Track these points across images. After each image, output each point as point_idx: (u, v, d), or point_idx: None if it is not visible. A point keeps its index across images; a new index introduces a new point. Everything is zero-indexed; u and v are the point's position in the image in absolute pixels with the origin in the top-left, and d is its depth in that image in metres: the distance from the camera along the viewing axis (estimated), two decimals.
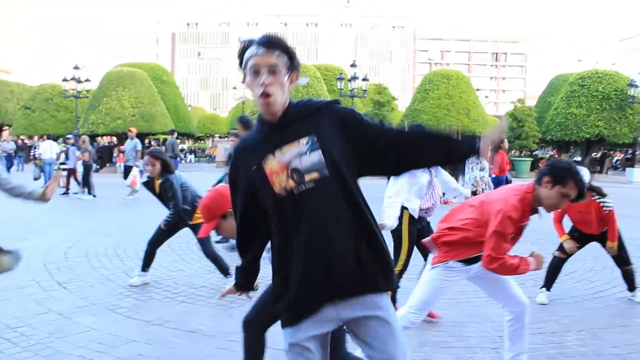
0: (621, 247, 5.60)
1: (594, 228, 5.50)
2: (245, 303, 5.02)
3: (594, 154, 33.23)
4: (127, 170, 16.04)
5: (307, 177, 2.00)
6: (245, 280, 2.42)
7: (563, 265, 5.77)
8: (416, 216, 4.81)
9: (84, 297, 5.38)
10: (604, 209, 5.34)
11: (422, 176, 4.77)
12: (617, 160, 41.42)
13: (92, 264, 6.75)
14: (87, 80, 30.94)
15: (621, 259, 5.63)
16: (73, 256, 7.23)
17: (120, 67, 36.85)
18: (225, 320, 4.77)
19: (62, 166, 17.10)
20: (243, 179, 2.14)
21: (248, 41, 2.08)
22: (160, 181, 5.79)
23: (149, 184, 5.99)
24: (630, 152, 32.93)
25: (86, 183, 15.50)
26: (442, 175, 5.20)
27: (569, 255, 5.72)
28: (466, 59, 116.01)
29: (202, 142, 62.97)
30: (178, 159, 19.92)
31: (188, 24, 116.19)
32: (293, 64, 2.07)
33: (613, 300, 5.70)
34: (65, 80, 30.09)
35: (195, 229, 5.78)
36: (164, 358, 3.87)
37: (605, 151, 35.52)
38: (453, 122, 30.10)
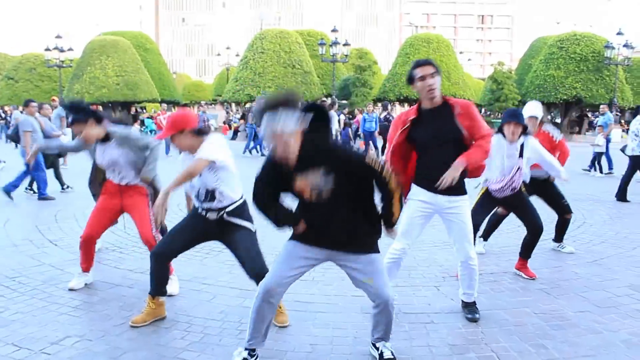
0: (561, 195, 6.08)
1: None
2: (219, 253, 5.66)
3: (575, 114, 33.82)
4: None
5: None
6: (286, 220, 3.18)
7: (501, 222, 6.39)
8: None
9: (73, 252, 5.92)
10: (554, 138, 5.92)
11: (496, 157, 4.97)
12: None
13: (80, 224, 7.26)
14: (69, 49, 30.95)
15: (562, 207, 6.07)
16: (62, 218, 7.78)
17: (103, 35, 36.78)
18: (199, 268, 5.36)
19: None
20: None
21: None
22: None
23: None
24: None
25: None
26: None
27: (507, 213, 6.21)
28: (452, 22, 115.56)
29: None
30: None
31: None
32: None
33: (551, 247, 6.34)
34: (47, 49, 30.08)
35: None
36: (143, 297, 4.46)
37: (584, 113, 36.21)
38: None
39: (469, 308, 4.23)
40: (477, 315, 4.15)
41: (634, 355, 3.53)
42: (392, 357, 3.33)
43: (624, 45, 29.93)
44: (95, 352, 3.50)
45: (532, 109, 5.81)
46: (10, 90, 38.34)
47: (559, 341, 3.73)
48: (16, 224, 7.38)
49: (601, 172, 14.18)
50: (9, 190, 9.20)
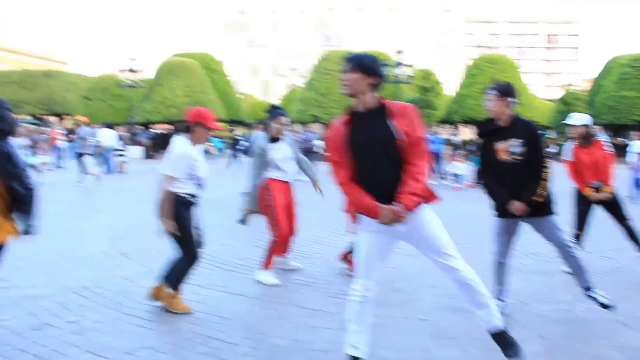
0: (618, 204, 6.19)
1: (595, 172, 6.06)
2: (285, 273, 5.73)
3: None
4: (78, 157, 15.79)
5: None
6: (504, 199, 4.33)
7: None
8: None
9: (144, 265, 6.14)
10: (604, 148, 6.11)
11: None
12: None
13: (150, 239, 7.51)
14: (141, 70, 32.26)
15: (619, 215, 6.19)
16: (133, 232, 8.06)
17: (173, 57, 38.18)
18: (266, 286, 5.42)
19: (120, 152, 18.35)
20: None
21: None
22: None
23: None
24: None
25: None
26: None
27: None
28: (517, 42, 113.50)
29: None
30: None
31: (239, 12, 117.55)
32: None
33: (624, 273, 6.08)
34: (121, 71, 31.46)
35: None
36: (212, 313, 4.55)
37: None
38: None
39: (503, 343, 3.34)
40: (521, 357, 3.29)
41: None
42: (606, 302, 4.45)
43: None
44: None
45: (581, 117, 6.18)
46: (87, 109, 40.29)
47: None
48: (91, 236, 7.70)
49: None
50: None
